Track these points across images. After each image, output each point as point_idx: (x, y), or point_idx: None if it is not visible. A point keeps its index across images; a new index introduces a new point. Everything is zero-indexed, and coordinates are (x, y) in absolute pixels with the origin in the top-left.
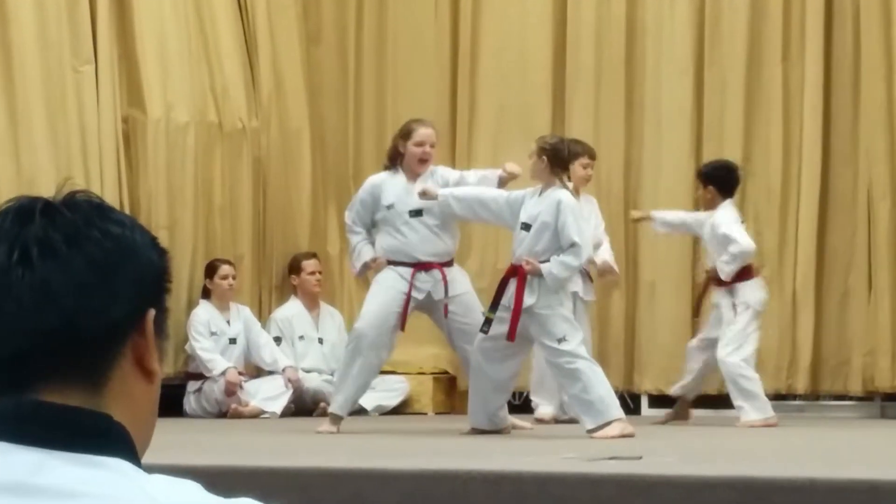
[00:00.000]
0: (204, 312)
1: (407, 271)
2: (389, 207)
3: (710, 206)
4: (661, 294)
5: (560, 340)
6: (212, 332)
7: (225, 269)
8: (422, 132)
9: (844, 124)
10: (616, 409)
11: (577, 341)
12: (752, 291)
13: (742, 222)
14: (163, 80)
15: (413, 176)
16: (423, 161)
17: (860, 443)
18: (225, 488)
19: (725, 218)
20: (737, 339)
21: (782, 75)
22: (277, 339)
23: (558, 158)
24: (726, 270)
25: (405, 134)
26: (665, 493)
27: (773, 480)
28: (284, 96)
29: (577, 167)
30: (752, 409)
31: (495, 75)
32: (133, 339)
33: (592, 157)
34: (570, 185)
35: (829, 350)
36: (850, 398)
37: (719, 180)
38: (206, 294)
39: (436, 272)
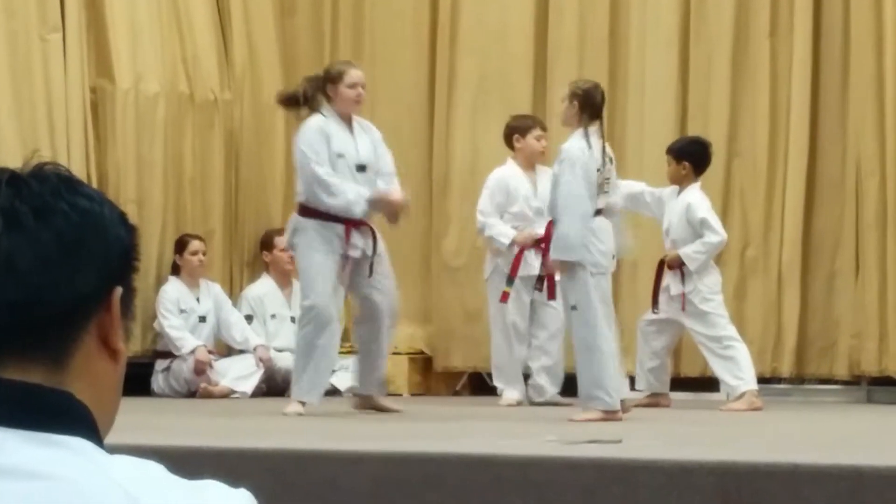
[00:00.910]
0: (173, 289)
1: (341, 229)
2: (340, 157)
3: (681, 182)
4: (643, 275)
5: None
6: (181, 310)
7: (195, 244)
8: (354, 73)
9: (833, 101)
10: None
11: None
12: (708, 276)
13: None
14: (132, 49)
15: (347, 122)
16: (357, 103)
17: (845, 428)
18: (193, 470)
19: (701, 202)
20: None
21: (770, 51)
22: (249, 318)
23: (591, 104)
24: (698, 260)
25: (335, 77)
26: (646, 477)
27: (755, 465)
28: (258, 68)
29: (530, 140)
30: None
31: (475, 46)
32: (98, 317)
33: (544, 128)
34: (595, 130)
35: (814, 332)
36: (836, 382)
37: (695, 156)
38: (176, 270)
39: (366, 229)
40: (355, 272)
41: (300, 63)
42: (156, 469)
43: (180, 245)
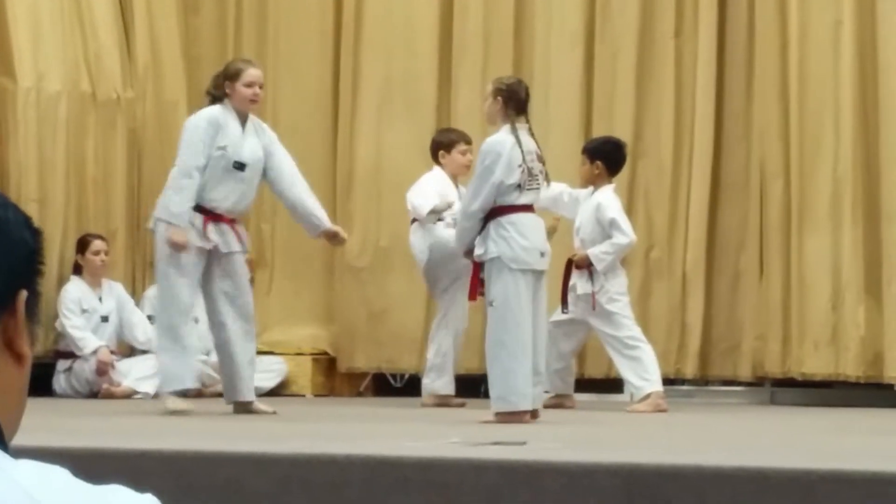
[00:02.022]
0: (75, 289)
1: (199, 220)
2: (221, 149)
3: (593, 182)
4: (551, 274)
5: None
6: (83, 310)
7: (97, 244)
8: (252, 72)
9: (738, 102)
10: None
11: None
12: (615, 277)
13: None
14: (34, 47)
15: (242, 120)
16: (254, 102)
17: (749, 429)
18: (96, 472)
19: (612, 202)
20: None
21: (675, 51)
22: (151, 318)
23: (515, 99)
24: (605, 261)
25: (233, 74)
26: (549, 479)
27: (659, 467)
28: (161, 67)
29: (455, 155)
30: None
31: (380, 44)
32: (2, 321)
33: (468, 142)
34: (522, 125)
35: (718, 334)
36: (740, 383)
37: (608, 156)
38: (78, 270)
39: (224, 226)
40: (213, 268)
41: (203, 61)
42: (60, 474)
43: (82, 245)
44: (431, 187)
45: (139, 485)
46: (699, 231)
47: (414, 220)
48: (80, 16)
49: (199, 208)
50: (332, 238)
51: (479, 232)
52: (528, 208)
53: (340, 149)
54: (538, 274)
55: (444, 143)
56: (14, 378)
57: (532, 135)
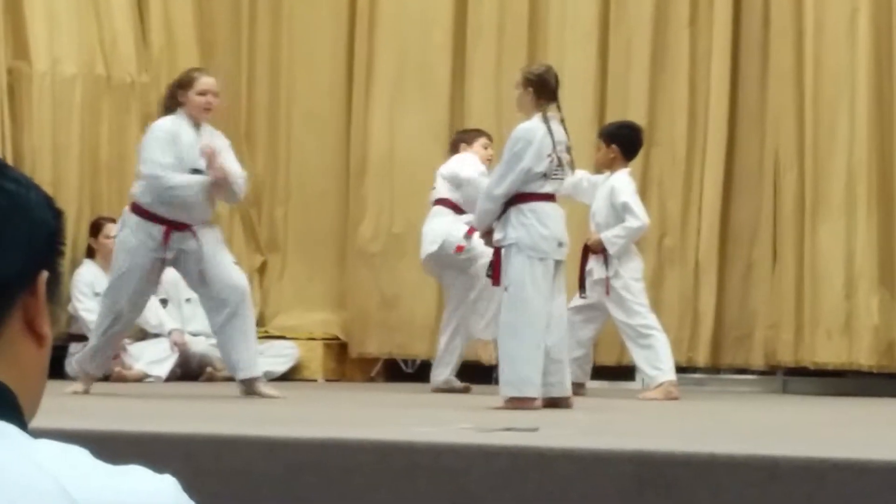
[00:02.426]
0: (88, 272)
1: (159, 231)
2: (178, 159)
3: (609, 167)
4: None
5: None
6: (95, 293)
7: (110, 227)
8: (204, 80)
9: (752, 92)
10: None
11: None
12: (630, 262)
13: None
14: (49, 31)
15: (196, 127)
16: (208, 110)
17: (761, 418)
18: (108, 454)
19: (626, 186)
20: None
21: (689, 40)
22: (163, 301)
23: (545, 88)
24: (617, 245)
25: (185, 83)
26: (561, 466)
27: (671, 455)
28: (175, 50)
29: (478, 149)
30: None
31: (394, 32)
32: (23, 301)
33: (490, 138)
34: (554, 114)
35: (730, 322)
36: (752, 372)
37: (624, 140)
38: (91, 253)
39: (188, 233)
40: (186, 270)
41: (218, 46)
42: (80, 453)
43: (95, 228)
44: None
45: (149, 468)
46: (712, 219)
47: (437, 203)
48: (96, 0)
49: (159, 219)
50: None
51: (499, 217)
52: (550, 197)
53: (354, 135)
54: (557, 263)
55: (466, 138)
56: (34, 359)
57: (563, 123)
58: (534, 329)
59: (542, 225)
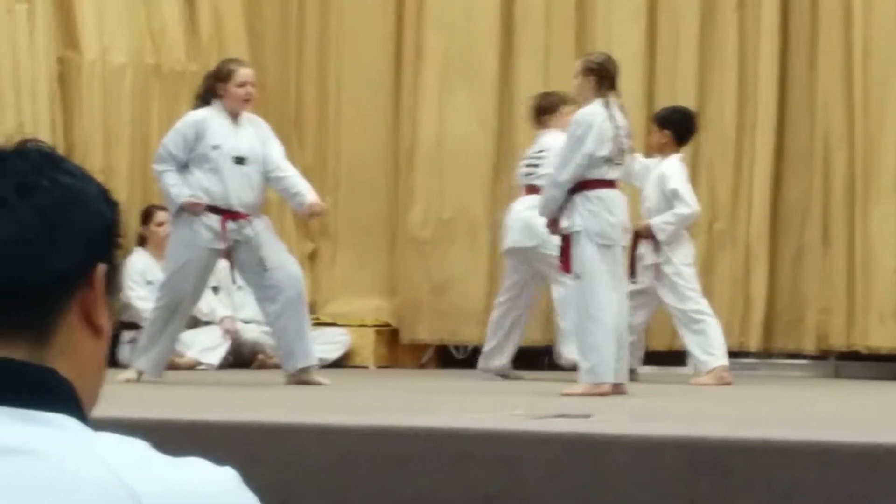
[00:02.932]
0: (139, 260)
1: (216, 220)
2: (215, 148)
3: (662, 151)
4: None
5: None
6: (147, 281)
7: (161, 215)
8: (243, 72)
9: (801, 74)
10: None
11: None
12: (681, 247)
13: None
14: (99, 20)
15: (234, 118)
16: (247, 101)
17: (814, 403)
18: (163, 443)
19: (677, 173)
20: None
21: (738, 22)
22: (215, 289)
23: (607, 76)
24: (666, 231)
25: (224, 75)
26: (614, 452)
27: (724, 441)
28: (224, 39)
29: (565, 118)
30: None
31: (441, 19)
32: (81, 293)
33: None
34: (615, 101)
35: (782, 307)
36: (804, 356)
37: (677, 125)
38: (142, 241)
39: (243, 221)
40: (242, 260)
41: (266, 34)
42: (140, 445)
43: (146, 216)
44: None
45: (204, 456)
46: (763, 203)
47: (529, 191)
48: None
49: (214, 209)
50: (312, 209)
51: (564, 204)
52: (614, 184)
53: (403, 122)
54: (621, 249)
55: (548, 106)
56: (92, 351)
57: (623, 110)
58: (607, 314)
59: (609, 212)
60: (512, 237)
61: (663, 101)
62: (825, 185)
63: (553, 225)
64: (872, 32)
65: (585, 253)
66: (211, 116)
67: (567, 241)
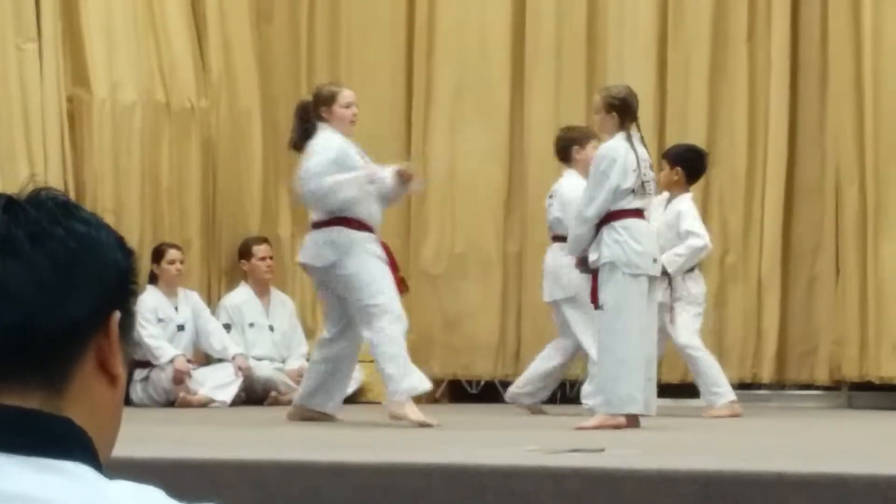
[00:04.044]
0: (151, 298)
1: (374, 238)
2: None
3: (673, 189)
4: None
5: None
6: (159, 319)
7: (172, 253)
8: (347, 93)
9: (811, 106)
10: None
11: None
12: (694, 284)
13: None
14: (109, 58)
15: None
16: (353, 123)
17: (827, 434)
18: (175, 482)
19: (690, 212)
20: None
21: (748, 56)
22: (227, 326)
23: (629, 111)
24: (676, 263)
25: (328, 98)
26: (629, 486)
27: (739, 474)
28: (234, 75)
29: (591, 151)
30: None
31: (453, 53)
32: (96, 342)
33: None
34: (636, 134)
35: (795, 338)
36: (817, 387)
37: (689, 163)
38: (153, 279)
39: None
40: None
41: (276, 70)
42: (154, 494)
43: (157, 254)
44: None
45: (218, 495)
46: (774, 236)
47: (558, 239)
48: (154, 25)
49: (368, 227)
50: (405, 176)
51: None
52: (639, 213)
53: (414, 156)
54: (651, 279)
55: (578, 139)
56: (108, 399)
57: (643, 143)
58: (632, 346)
59: (636, 241)
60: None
61: (674, 135)
62: (836, 217)
63: (582, 264)
64: (883, 65)
65: (611, 285)
66: (340, 138)
67: (596, 275)
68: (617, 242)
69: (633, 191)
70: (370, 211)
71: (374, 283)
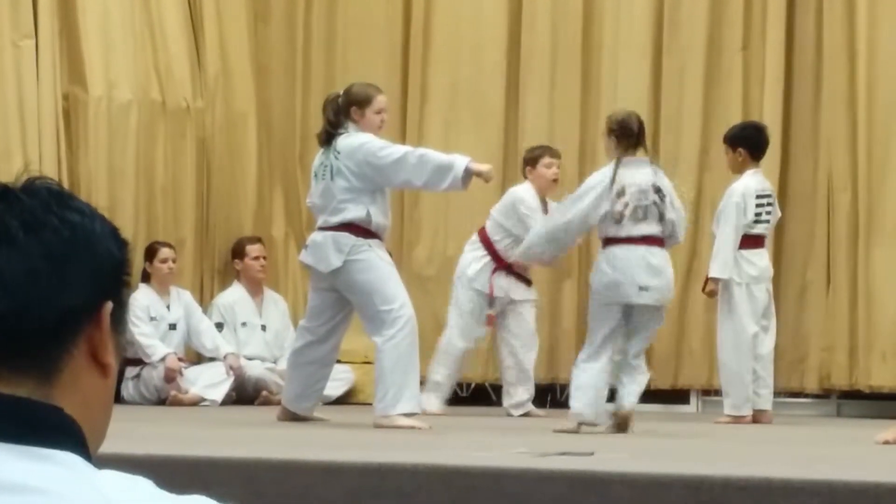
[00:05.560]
0: (143, 297)
1: (382, 244)
2: None
3: (740, 170)
4: None
5: None
6: (151, 317)
7: (165, 252)
8: (381, 99)
9: (805, 115)
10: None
11: None
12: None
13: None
14: (105, 56)
15: None
16: (381, 129)
17: (816, 442)
18: (166, 479)
19: (737, 188)
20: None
21: (742, 63)
22: (219, 325)
23: (626, 134)
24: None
25: (363, 101)
26: (618, 490)
27: (727, 479)
28: (230, 76)
29: (541, 169)
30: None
31: (448, 55)
32: (88, 332)
33: (554, 155)
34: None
35: (785, 346)
36: (806, 395)
37: (749, 141)
38: (146, 278)
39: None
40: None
41: (273, 71)
42: (144, 484)
43: (150, 252)
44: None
45: (208, 493)
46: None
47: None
48: (151, 25)
49: (377, 236)
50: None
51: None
52: (630, 240)
53: None
54: (639, 307)
55: (530, 159)
56: (99, 389)
57: (653, 166)
58: (596, 370)
59: (613, 269)
60: None
61: (668, 142)
62: (828, 225)
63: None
64: (876, 73)
65: (592, 308)
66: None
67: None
68: (597, 269)
69: (616, 220)
70: (378, 221)
71: (386, 287)
